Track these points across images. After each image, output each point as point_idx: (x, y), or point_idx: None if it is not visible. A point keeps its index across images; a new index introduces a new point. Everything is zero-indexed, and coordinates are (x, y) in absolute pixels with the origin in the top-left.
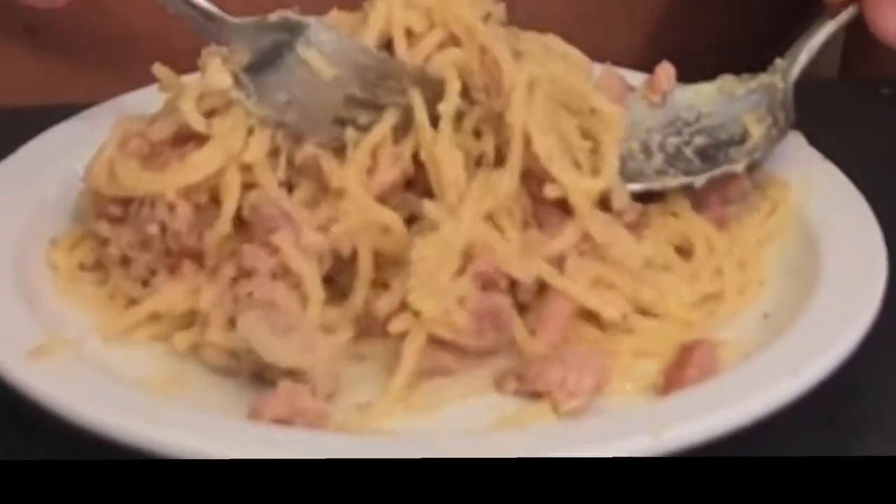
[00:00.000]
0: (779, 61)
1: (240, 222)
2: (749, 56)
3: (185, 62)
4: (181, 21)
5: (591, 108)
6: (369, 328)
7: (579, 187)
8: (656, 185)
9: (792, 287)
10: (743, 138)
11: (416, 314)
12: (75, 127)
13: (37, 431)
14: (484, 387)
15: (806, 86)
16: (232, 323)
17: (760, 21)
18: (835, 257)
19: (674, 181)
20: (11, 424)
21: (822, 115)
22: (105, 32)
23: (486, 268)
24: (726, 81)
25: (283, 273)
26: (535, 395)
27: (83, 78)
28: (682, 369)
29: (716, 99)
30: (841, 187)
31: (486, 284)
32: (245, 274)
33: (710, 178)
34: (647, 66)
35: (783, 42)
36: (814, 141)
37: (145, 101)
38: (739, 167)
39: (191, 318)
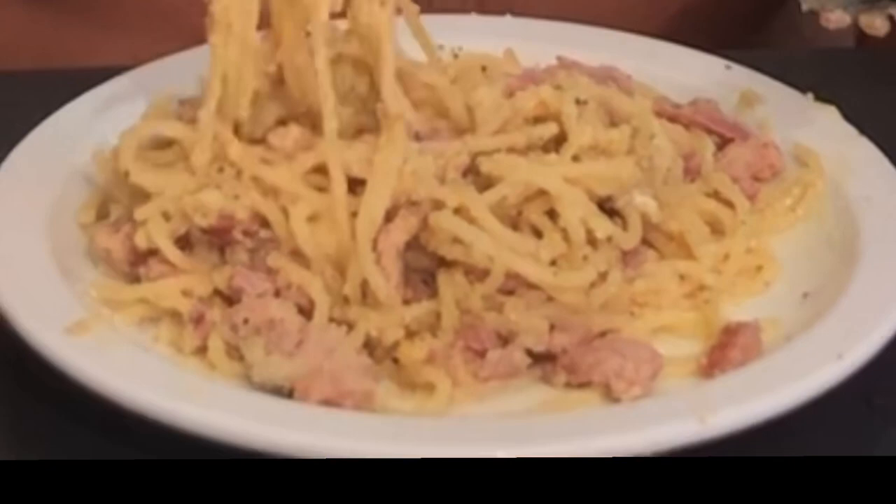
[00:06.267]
0: None
1: None
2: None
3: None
4: None
5: None
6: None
7: None
8: None
9: (831, 265)
10: None
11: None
12: (102, 94)
13: (74, 410)
14: (529, 382)
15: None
16: (233, 350)
17: None
18: (874, 234)
19: None
20: (51, 404)
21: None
22: None
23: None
24: None
25: (286, 288)
26: (583, 387)
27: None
28: (725, 351)
29: None
30: (877, 163)
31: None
32: (236, 293)
33: None
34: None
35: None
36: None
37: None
38: None
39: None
